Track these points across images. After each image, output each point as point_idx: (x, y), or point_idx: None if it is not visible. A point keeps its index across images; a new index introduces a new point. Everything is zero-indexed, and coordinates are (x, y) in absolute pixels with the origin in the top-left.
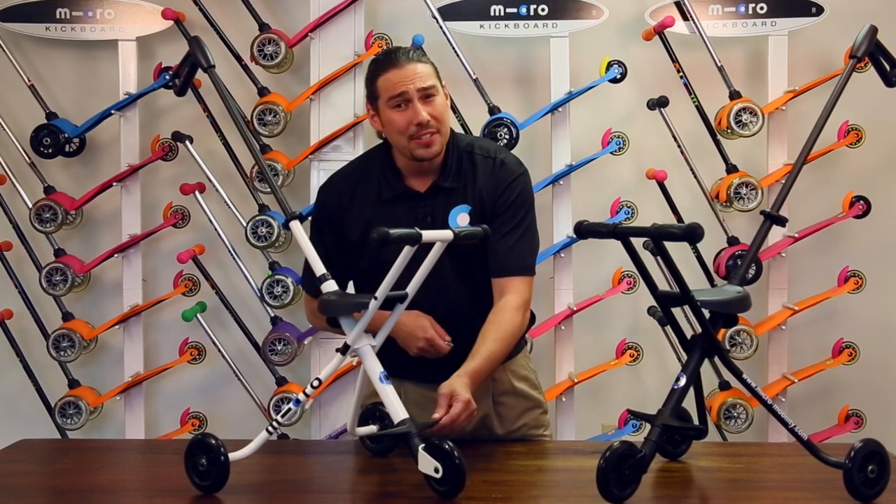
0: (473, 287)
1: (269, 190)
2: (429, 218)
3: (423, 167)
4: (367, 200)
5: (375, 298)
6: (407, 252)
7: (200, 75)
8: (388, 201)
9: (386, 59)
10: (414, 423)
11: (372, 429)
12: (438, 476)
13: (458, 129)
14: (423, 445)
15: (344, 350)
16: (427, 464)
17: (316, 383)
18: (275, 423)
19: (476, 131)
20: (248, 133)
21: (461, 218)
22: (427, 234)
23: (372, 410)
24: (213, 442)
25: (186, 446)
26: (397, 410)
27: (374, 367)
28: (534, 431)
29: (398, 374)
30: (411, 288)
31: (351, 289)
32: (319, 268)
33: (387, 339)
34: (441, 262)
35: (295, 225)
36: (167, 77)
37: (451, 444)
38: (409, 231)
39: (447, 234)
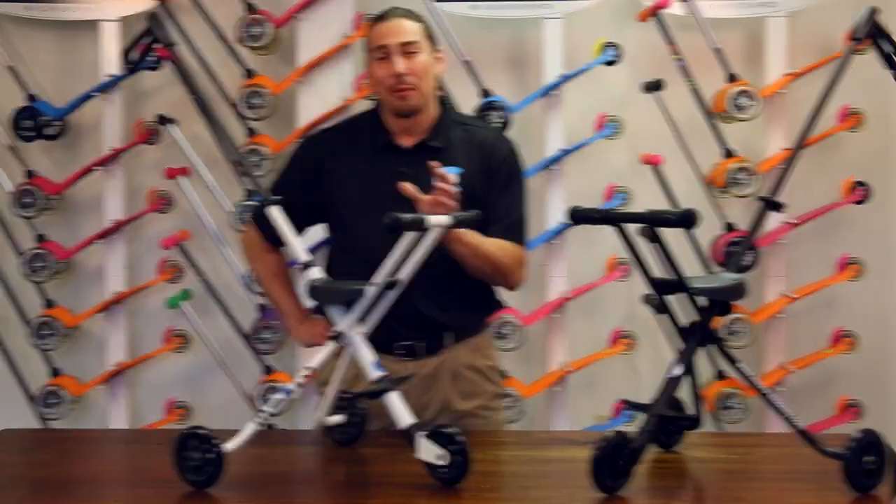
0: (440, 272)
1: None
2: (410, 171)
3: (410, 125)
4: (352, 154)
5: (373, 285)
6: (411, 238)
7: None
8: (371, 154)
9: (378, 15)
10: (390, 381)
11: (338, 419)
12: (441, 463)
13: None
14: (424, 433)
15: (337, 337)
16: (428, 451)
17: (307, 372)
18: (264, 414)
19: None
20: (216, 118)
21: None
22: (432, 220)
23: (336, 398)
24: (206, 433)
25: (176, 439)
26: None
27: (366, 356)
28: (493, 413)
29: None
30: (405, 275)
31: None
32: (303, 254)
33: None
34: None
35: (274, 211)
36: (151, 58)
37: (454, 428)
38: (416, 217)
39: (446, 220)
